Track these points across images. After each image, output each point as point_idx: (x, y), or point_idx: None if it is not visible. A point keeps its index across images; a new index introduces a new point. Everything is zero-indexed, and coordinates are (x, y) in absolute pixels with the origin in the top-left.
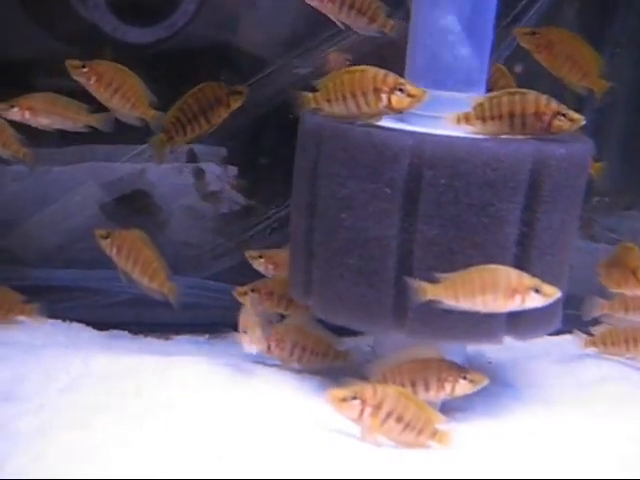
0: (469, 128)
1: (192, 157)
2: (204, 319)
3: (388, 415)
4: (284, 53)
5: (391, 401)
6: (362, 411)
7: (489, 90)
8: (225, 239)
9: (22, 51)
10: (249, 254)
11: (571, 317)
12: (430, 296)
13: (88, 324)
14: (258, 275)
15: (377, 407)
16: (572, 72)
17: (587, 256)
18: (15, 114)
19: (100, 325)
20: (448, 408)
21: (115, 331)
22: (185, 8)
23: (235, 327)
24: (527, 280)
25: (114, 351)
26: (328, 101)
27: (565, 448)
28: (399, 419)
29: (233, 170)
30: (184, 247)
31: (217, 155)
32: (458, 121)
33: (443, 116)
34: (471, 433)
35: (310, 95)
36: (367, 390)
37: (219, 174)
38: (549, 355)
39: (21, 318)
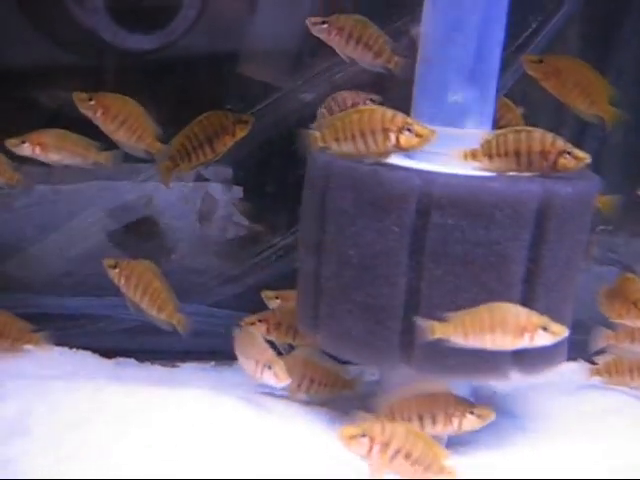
0: (476, 164)
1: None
2: (210, 346)
3: (396, 452)
4: (289, 71)
5: (399, 438)
6: (371, 448)
7: (495, 124)
8: (231, 266)
9: (19, 56)
10: (265, 295)
11: (575, 342)
12: (439, 335)
13: (94, 351)
14: (261, 301)
15: (386, 444)
16: (580, 100)
17: (589, 279)
18: (25, 149)
19: (106, 352)
20: (452, 441)
21: (121, 359)
22: (185, 14)
23: None
24: (536, 318)
25: (123, 382)
26: (336, 140)
27: None
28: (407, 456)
29: (238, 192)
30: (190, 274)
31: (222, 179)
32: (465, 157)
33: (449, 152)
34: (473, 466)
35: (318, 134)
36: (376, 427)
37: (225, 198)
38: (553, 385)
39: (28, 347)
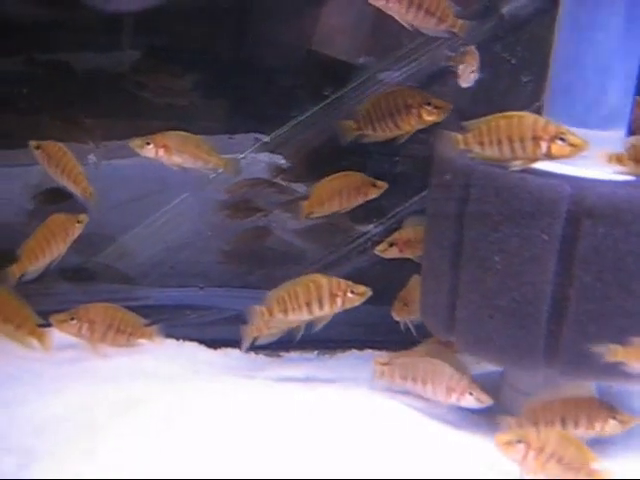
0: (620, 168)
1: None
2: (310, 335)
3: (550, 457)
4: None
5: (553, 444)
6: (526, 454)
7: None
8: (328, 252)
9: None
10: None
11: None
12: (620, 358)
13: (200, 342)
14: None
15: (540, 450)
16: None
17: None
18: (149, 151)
19: (209, 343)
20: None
21: (227, 349)
22: None
23: (341, 343)
24: None
25: (247, 377)
26: (480, 144)
27: None
28: (559, 460)
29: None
30: (285, 260)
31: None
32: (610, 161)
33: (593, 155)
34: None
35: (460, 136)
36: (531, 434)
37: None
38: None
39: (142, 341)
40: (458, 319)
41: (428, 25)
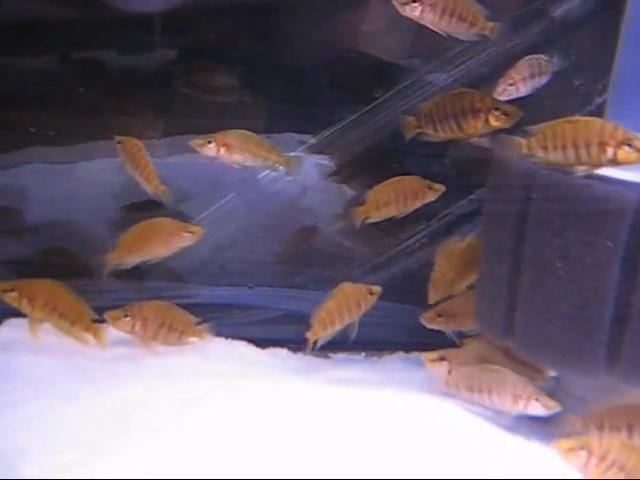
0: None
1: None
2: (357, 336)
3: (611, 465)
4: None
5: (615, 452)
6: (588, 461)
7: None
8: (376, 253)
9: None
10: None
11: None
12: None
13: (249, 341)
14: (408, 290)
15: (602, 457)
16: None
17: None
18: (211, 150)
19: (257, 342)
20: None
21: (275, 349)
22: None
23: (388, 344)
24: None
25: (294, 378)
26: (544, 148)
27: None
28: (621, 469)
29: None
30: (333, 261)
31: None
32: None
33: None
34: None
35: (523, 141)
36: (593, 441)
37: None
38: None
39: (192, 339)
40: (517, 324)
41: (460, 30)
